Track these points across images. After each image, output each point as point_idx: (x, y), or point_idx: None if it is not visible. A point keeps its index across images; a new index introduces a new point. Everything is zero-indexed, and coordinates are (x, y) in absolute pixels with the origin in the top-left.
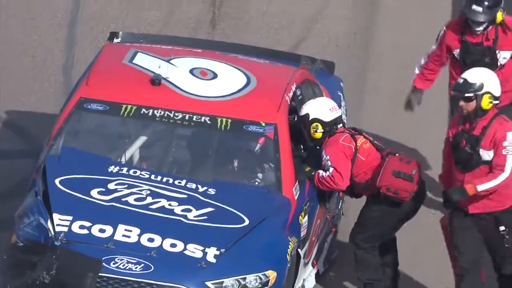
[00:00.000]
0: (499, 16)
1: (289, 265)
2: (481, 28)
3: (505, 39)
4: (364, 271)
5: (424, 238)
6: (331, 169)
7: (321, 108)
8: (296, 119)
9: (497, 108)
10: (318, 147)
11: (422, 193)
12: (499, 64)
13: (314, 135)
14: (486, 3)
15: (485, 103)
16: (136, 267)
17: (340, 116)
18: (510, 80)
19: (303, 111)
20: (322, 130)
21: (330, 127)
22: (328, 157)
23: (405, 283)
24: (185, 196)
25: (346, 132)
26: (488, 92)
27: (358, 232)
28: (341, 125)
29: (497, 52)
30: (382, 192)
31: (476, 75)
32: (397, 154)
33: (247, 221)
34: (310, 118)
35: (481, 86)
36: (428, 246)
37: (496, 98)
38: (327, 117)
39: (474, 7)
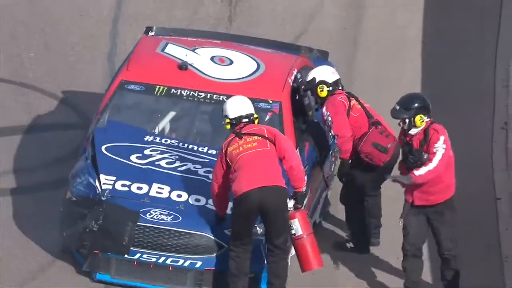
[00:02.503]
0: (418, 120)
1: None
2: (405, 127)
3: (428, 144)
4: (354, 222)
5: (401, 193)
6: (335, 139)
7: (325, 72)
8: (297, 97)
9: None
10: (316, 118)
11: (394, 160)
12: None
13: (320, 94)
14: (403, 103)
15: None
16: (167, 218)
17: (340, 79)
18: (444, 180)
19: (310, 76)
20: (328, 89)
21: (333, 87)
22: (328, 113)
23: (384, 231)
24: (207, 160)
25: (343, 93)
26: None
27: (346, 191)
28: (341, 87)
29: (423, 154)
30: (362, 157)
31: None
32: (379, 126)
33: None
34: (317, 81)
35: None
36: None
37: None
38: (330, 78)
39: (395, 105)
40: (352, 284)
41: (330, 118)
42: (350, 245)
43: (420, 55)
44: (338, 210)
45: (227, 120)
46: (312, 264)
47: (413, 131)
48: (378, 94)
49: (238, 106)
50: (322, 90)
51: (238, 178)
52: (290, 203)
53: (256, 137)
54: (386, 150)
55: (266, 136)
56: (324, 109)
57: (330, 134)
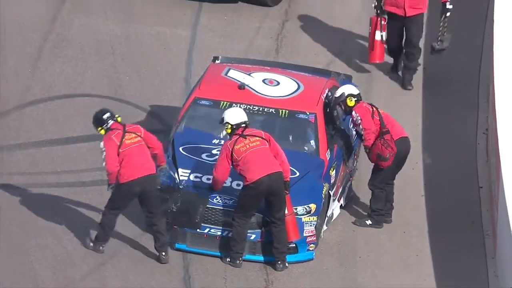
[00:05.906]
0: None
1: (323, 200)
2: None
3: None
4: (376, 203)
5: (407, 184)
6: (362, 132)
7: (350, 87)
8: (328, 110)
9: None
10: (344, 123)
11: (403, 158)
12: None
13: (349, 104)
14: None
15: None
16: (229, 201)
17: (360, 93)
18: None
19: (339, 92)
20: (355, 99)
21: (358, 97)
22: (358, 115)
23: (395, 212)
24: None
25: (366, 103)
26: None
27: (374, 179)
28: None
29: None
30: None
31: None
32: (385, 136)
33: (297, 173)
34: (346, 94)
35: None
36: (411, 189)
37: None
38: (355, 91)
39: None
40: (369, 248)
41: (359, 118)
42: (368, 221)
43: (421, 81)
44: (359, 196)
45: (229, 126)
46: (291, 237)
47: None
48: (391, 100)
49: (238, 115)
50: (351, 100)
51: (249, 168)
52: None
53: (257, 138)
54: (386, 159)
55: (264, 137)
56: (353, 113)
57: (354, 133)
